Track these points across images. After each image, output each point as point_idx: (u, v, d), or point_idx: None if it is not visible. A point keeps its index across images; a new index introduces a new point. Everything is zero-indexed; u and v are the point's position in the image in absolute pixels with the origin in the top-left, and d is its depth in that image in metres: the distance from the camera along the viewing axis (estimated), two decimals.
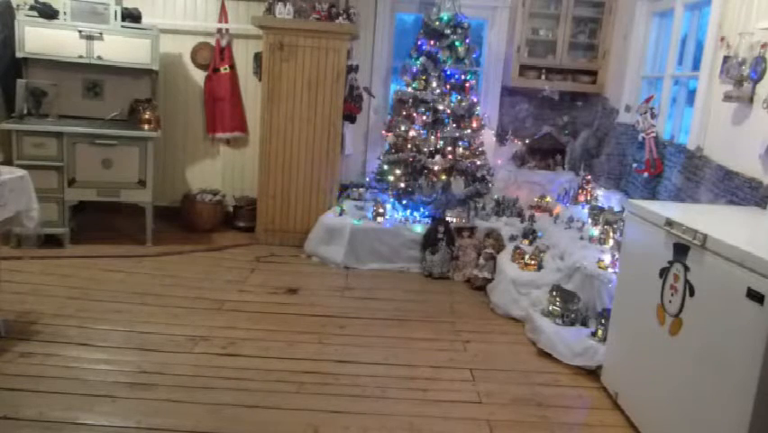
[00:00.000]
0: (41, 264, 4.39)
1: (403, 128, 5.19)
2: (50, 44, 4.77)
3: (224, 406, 2.80)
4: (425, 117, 5.17)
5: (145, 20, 5.10)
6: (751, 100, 3.38)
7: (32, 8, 4.75)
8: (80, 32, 4.79)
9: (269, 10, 5.06)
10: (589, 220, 4.60)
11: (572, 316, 3.66)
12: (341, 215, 5.10)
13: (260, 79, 5.34)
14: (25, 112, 4.76)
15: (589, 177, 5.35)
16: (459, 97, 5.18)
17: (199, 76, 5.67)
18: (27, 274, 4.16)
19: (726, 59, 3.64)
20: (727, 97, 3.52)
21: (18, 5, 4.84)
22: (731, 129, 3.60)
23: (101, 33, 4.84)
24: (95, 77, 5.14)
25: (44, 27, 4.74)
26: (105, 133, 4.72)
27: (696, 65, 4.21)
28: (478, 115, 5.30)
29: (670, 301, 2.63)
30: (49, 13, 4.73)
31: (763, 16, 3.32)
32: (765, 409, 2.09)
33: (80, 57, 4.83)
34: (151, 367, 3.09)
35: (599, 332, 3.43)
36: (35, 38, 4.74)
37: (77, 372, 2.98)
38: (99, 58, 4.87)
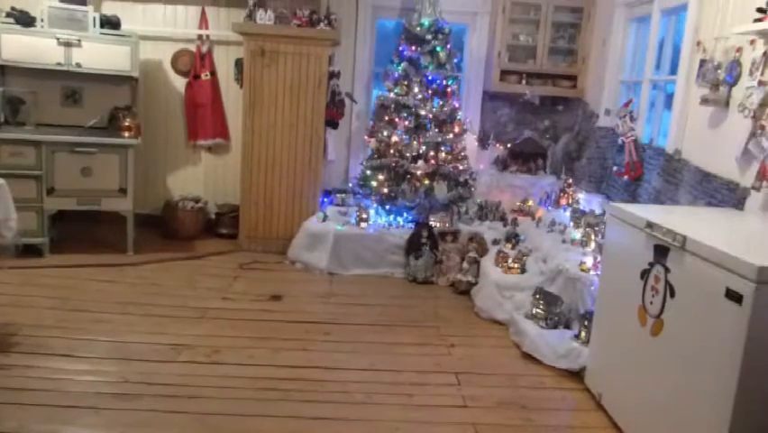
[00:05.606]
0: (20, 275, 4.32)
1: (385, 133, 5.21)
2: (28, 51, 4.70)
3: (210, 415, 2.78)
4: (407, 122, 5.19)
5: (124, 26, 5.06)
6: (727, 104, 3.44)
7: (8, 15, 4.68)
8: (58, 39, 4.73)
9: (250, 16, 5.04)
10: (571, 223, 4.64)
11: (556, 318, 3.69)
12: (324, 221, 5.09)
13: (241, 86, 5.32)
14: (2, 120, 4.69)
15: (571, 180, 5.40)
16: (441, 102, 5.21)
17: (180, 82, 5.63)
18: (6, 285, 4.09)
19: (702, 63, 3.71)
20: (704, 101, 3.58)
21: None
22: (708, 132, 3.66)
23: (79, 40, 4.78)
24: (74, 84, 5.09)
25: (21, 34, 4.67)
26: (85, 141, 4.67)
27: (673, 69, 4.28)
28: (460, 119, 5.34)
29: (651, 302, 2.66)
30: (25, 21, 4.67)
31: (737, 21, 3.38)
32: (745, 408, 2.12)
33: (59, 64, 4.78)
34: (135, 377, 3.05)
35: (583, 334, 3.46)
36: (12, 45, 4.67)
37: (58, 383, 2.93)
38: (78, 65, 4.82)
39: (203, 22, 5.52)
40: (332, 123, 5.41)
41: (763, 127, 3.09)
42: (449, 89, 5.27)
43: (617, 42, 5.17)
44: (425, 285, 4.85)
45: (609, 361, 3.06)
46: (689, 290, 2.42)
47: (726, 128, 3.48)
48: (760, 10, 3.07)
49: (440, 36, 5.19)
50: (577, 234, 4.37)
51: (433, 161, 5.17)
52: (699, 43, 3.81)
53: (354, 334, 3.83)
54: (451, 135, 5.24)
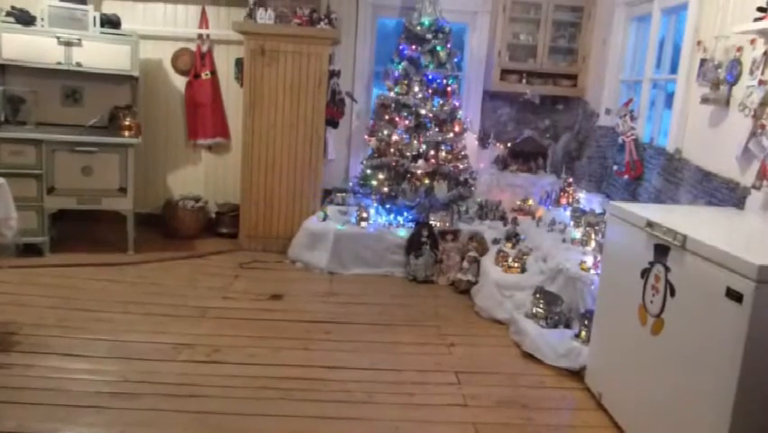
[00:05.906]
0: (21, 274, 4.32)
1: (386, 133, 5.21)
2: (28, 51, 4.70)
3: (210, 414, 2.78)
4: (407, 122, 5.19)
5: (125, 26, 5.06)
6: (727, 103, 3.44)
7: (8, 14, 4.68)
8: (58, 38, 4.73)
9: (250, 15, 5.04)
10: (572, 222, 4.64)
11: (556, 318, 3.69)
12: (324, 220, 5.09)
13: (241, 85, 5.31)
14: (2, 119, 4.69)
15: (571, 180, 5.40)
16: (441, 102, 5.21)
17: (180, 82, 5.63)
18: (6, 284, 4.10)
19: (702, 62, 3.71)
20: (704, 100, 3.58)
21: None
22: (709, 131, 3.66)
23: (80, 40, 4.78)
24: (74, 83, 5.08)
25: (22, 33, 4.67)
26: (85, 141, 4.67)
27: (673, 68, 4.27)
28: (460, 119, 5.34)
29: (651, 302, 2.66)
30: (26, 20, 4.67)
31: (738, 20, 3.38)
32: (745, 408, 2.12)
33: (59, 63, 4.77)
34: (135, 376, 3.05)
35: (583, 333, 3.46)
36: (12, 44, 4.67)
37: (59, 382, 2.94)
38: (78, 64, 4.82)
39: (203, 21, 5.52)
40: (332, 122, 5.41)
41: (763, 126, 3.09)
42: (449, 88, 5.27)
43: (617, 41, 5.17)
44: (426, 284, 4.85)
45: (610, 360, 3.06)
46: (689, 290, 2.42)
47: (726, 127, 3.48)
48: (760, 9, 3.07)
49: (440, 35, 5.19)
50: (577, 234, 4.37)
51: (433, 161, 5.17)
52: (699, 42, 3.81)
53: (355, 333, 3.83)
54: (451, 135, 5.24)
